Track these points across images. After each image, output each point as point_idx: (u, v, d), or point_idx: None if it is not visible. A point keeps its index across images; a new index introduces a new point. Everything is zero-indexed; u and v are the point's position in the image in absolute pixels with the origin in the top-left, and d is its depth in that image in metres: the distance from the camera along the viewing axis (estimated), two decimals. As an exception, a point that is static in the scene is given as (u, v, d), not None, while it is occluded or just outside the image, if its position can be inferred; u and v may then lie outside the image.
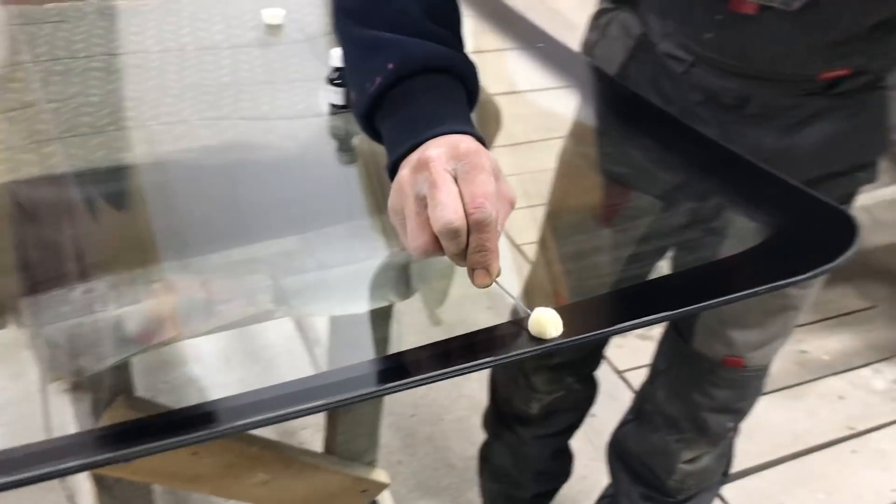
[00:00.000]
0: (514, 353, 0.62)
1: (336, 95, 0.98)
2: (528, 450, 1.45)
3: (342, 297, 0.96)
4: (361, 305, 0.97)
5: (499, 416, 1.46)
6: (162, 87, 1.06)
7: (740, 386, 1.20)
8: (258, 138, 1.00)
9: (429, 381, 0.59)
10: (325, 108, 1.02)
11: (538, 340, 0.61)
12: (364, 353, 1.14)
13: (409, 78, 0.65)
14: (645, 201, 1.04)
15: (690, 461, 1.30)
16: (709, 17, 0.91)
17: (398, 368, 0.63)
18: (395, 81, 0.65)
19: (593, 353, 1.37)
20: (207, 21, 1.26)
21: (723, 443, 1.31)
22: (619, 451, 1.42)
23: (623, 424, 1.42)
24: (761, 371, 1.21)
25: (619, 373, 2.03)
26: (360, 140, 1.00)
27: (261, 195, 0.95)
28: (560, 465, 1.54)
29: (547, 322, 0.61)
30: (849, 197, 1.04)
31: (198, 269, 0.87)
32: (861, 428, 1.96)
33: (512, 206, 0.62)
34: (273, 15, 1.23)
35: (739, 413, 1.26)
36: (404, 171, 0.60)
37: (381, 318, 1.12)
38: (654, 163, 0.96)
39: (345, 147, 1.00)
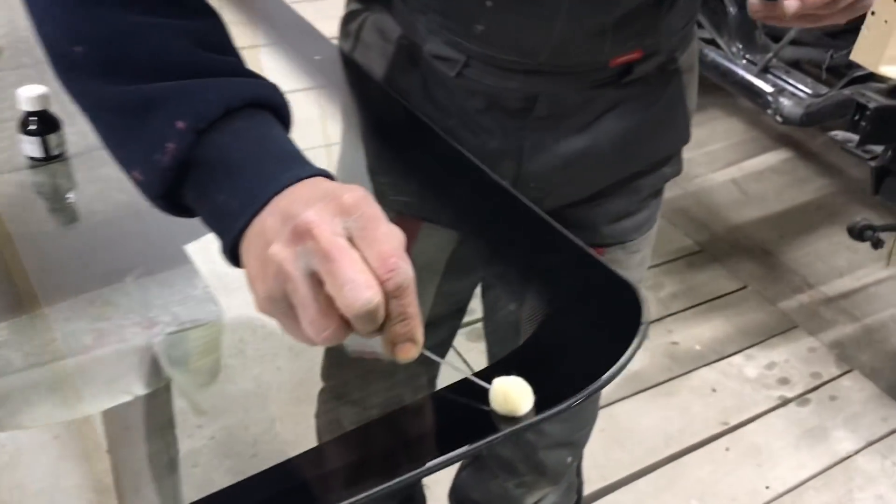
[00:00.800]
0: (485, 440, 0.52)
1: (32, 146, 0.77)
2: None
3: (64, 396, 0.76)
4: (93, 405, 0.78)
5: None
6: None
7: (573, 416, 1.10)
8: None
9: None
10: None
11: (508, 419, 0.52)
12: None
13: (212, 129, 0.51)
14: (440, 232, 0.90)
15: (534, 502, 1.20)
16: (477, 4, 0.76)
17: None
18: (195, 141, 0.51)
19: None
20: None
21: (566, 477, 1.21)
22: (460, 499, 1.30)
23: (460, 470, 1.30)
24: (594, 395, 1.09)
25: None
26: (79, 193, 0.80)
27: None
28: None
29: (515, 395, 0.53)
30: (656, 194, 0.96)
31: None
32: (734, 422, 1.88)
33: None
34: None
35: (577, 445, 1.17)
36: (275, 246, 0.47)
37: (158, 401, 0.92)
38: (438, 191, 0.79)
39: (57, 206, 0.79)
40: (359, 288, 0.45)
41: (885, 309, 2.21)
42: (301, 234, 0.46)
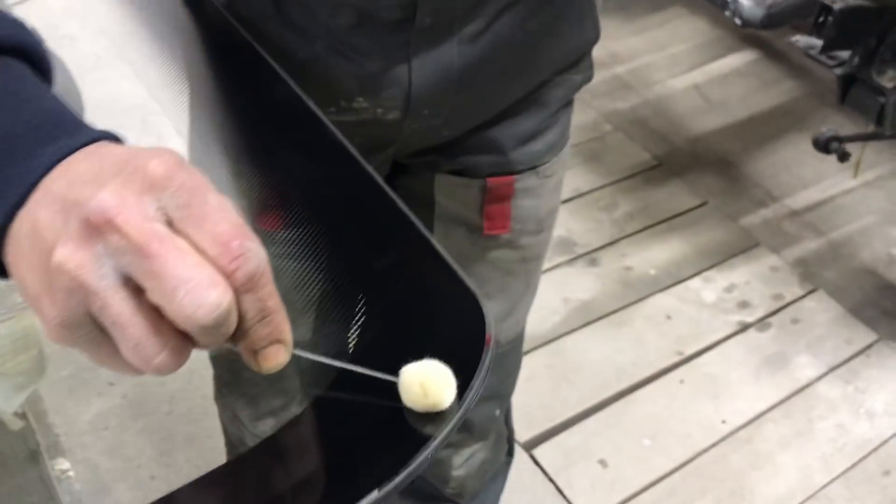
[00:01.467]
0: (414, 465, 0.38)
1: None
2: None
3: None
4: None
5: None
6: None
7: (497, 367, 0.96)
8: None
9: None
10: None
11: (430, 416, 0.41)
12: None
13: None
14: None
15: (463, 464, 1.10)
16: None
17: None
18: None
19: None
20: None
21: (495, 429, 1.11)
22: None
23: None
24: (517, 341, 1.02)
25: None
26: None
27: None
28: None
29: (437, 383, 0.41)
30: (567, 105, 0.85)
31: None
32: (689, 352, 1.77)
33: None
34: None
35: (504, 395, 1.07)
36: (62, 250, 0.33)
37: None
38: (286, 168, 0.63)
39: None
40: (198, 289, 0.33)
41: (852, 222, 2.09)
42: (98, 228, 0.33)
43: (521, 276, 0.93)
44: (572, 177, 2.17)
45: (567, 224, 2.04)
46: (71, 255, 0.33)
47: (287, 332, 0.38)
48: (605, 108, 2.39)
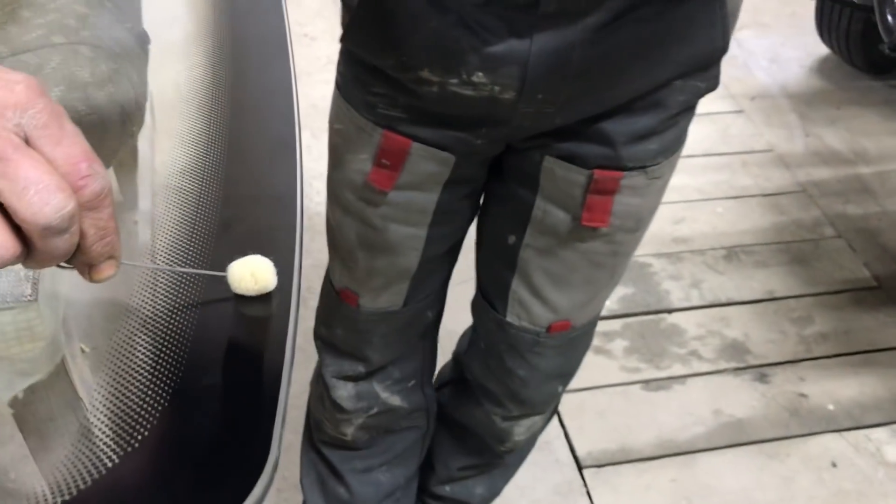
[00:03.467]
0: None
1: None
2: (342, 490, 1.21)
3: None
4: None
5: (310, 442, 1.23)
6: None
7: (569, 349, 1.04)
8: None
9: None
10: None
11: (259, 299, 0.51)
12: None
13: None
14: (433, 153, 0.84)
15: (523, 432, 1.16)
16: None
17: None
18: None
19: (411, 353, 1.10)
20: None
21: (554, 403, 1.16)
22: (443, 416, 1.22)
23: (442, 385, 1.23)
24: (590, 325, 1.04)
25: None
26: None
27: None
28: None
29: (258, 271, 0.52)
30: (688, 111, 0.83)
31: None
32: (848, 512, 1.50)
33: None
34: None
35: (569, 375, 1.09)
36: None
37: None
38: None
39: None
40: (47, 190, 0.37)
41: None
42: None
43: (608, 269, 0.93)
44: (767, 276, 1.94)
45: (745, 327, 1.82)
46: None
47: (119, 249, 0.43)
48: (832, 209, 2.13)
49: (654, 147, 0.82)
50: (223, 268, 0.53)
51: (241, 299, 0.52)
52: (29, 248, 0.39)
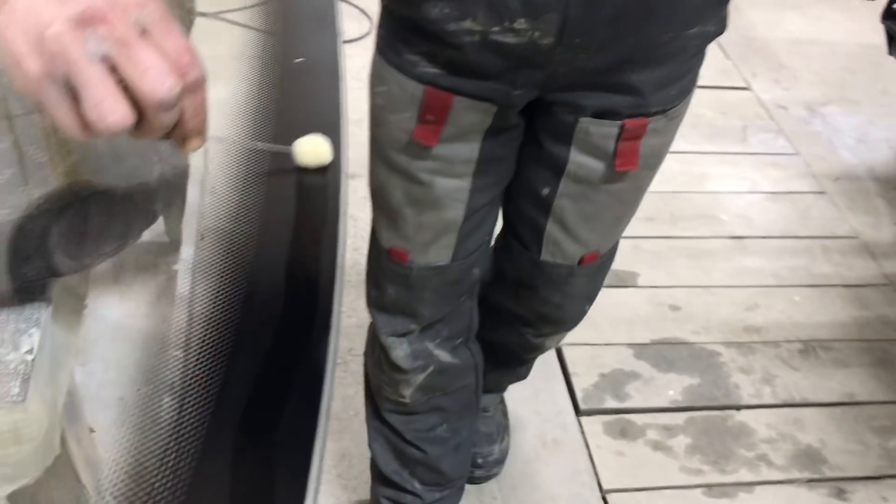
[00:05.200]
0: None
1: None
2: (411, 450, 1.29)
3: None
4: None
5: (374, 410, 1.30)
6: None
7: (598, 274, 1.15)
8: None
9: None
10: None
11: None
12: None
13: None
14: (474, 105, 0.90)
15: (553, 345, 1.31)
16: None
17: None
18: None
19: (458, 312, 1.16)
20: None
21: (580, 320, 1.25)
22: (478, 336, 1.28)
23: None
24: (615, 248, 1.15)
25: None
26: None
27: None
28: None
29: (319, 147, 0.64)
30: (698, 53, 0.91)
31: None
32: None
33: None
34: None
35: (595, 295, 1.20)
36: (58, 27, 0.45)
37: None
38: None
39: None
40: (162, 73, 0.47)
41: None
42: (90, 19, 0.46)
43: (632, 204, 1.05)
44: (847, 376, 1.78)
45: (822, 433, 1.66)
46: (66, 32, 0.45)
47: (206, 127, 0.53)
48: (922, 307, 1.96)
49: (673, 92, 0.91)
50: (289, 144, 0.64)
51: (304, 171, 0.65)
52: (140, 120, 0.48)
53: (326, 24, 0.98)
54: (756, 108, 2.66)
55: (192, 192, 0.74)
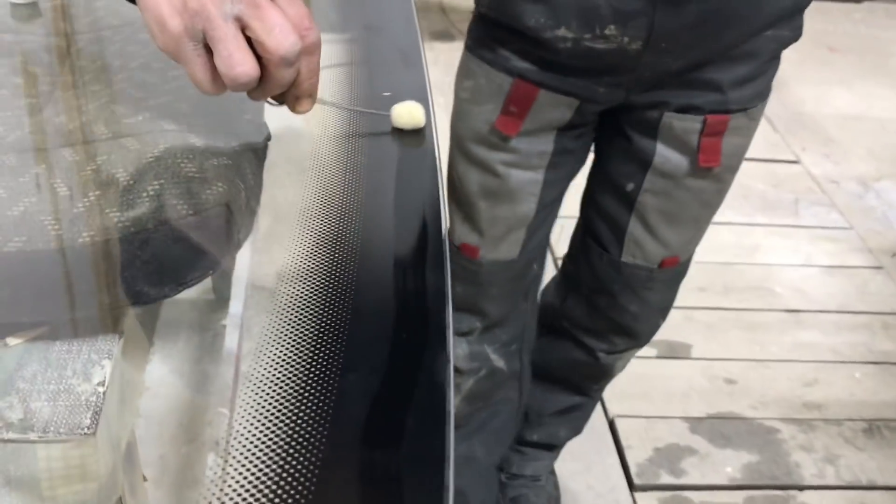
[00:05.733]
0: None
1: None
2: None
3: None
4: None
5: None
6: None
7: (674, 282, 1.16)
8: None
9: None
10: None
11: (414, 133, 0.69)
12: None
13: None
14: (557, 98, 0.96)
15: (623, 365, 1.29)
16: None
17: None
18: None
19: (517, 314, 1.19)
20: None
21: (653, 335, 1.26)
22: (540, 365, 1.31)
23: (538, 336, 1.30)
24: (690, 259, 1.16)
25: None
26: None
27: None
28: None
29: (414, 110, 0.69)
30: (774, 58, 0.97)
31: None
32: None
33: None
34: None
35: (669, 308, 1.21)
36: None
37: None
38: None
39: None
40: (287, 30, 0.53)
41: None
42: None
43: (713, 208, 1.08)
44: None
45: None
46: None
47: (317, 91, 0.59)
48: None
49: (750, 92, 0.96)
50: (388, 110, 0.70)
51: (400, 132, 0.69)
52: (262, 79, 0.54)
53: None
54: (807, 182, 2.62)
55: (244, 250, 0.72)
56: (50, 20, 0.80)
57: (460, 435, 1.25)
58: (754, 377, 1.88)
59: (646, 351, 1.91)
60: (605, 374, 1.29)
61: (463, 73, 0.99)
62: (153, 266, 0.52)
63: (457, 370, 1.19)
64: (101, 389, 0.56)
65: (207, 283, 0.71)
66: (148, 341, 0.69)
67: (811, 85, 3.22)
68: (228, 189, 0.55)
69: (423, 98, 0.72)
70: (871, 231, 2.40)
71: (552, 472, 1.56)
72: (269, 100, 0.60)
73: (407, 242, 0.61)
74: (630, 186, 1.03)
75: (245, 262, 0.67)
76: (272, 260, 0.63)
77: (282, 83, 0.55)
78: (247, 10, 0.52)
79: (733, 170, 1.03)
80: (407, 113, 0.68)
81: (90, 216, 0.54)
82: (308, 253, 0.60)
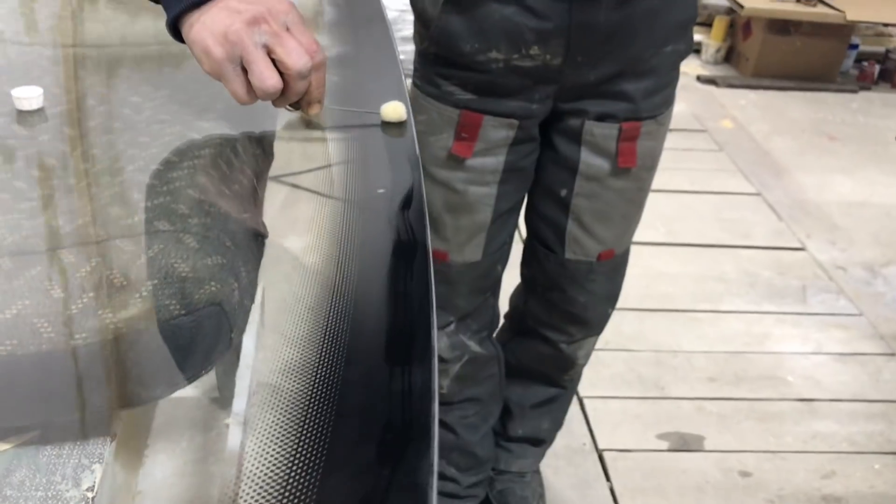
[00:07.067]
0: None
1: None
2: (448, 435, 1.48)
3: None
4: None
5: None
6: None
7: (614, 274, 1.33)
8: None
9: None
10: None
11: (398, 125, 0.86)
12: None
13: None
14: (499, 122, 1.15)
15: (584, 356, 1.46)
16: None
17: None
18: None
19: (484, 306, 1.38)
20: None
21: (605, 324, 1.42)
22: (512, 364, 1.49)
23: (507, 341, 1.50)
24: (627, 254, 1.34)
25: None
26: None
27: None
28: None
29: (398, 108, 0.85)
30: (674, 69, 1.17)
31: None
32: None
33: None
34: (28, 97, 0.81)
35: (615, 298, 1.38)
36: (237, 25, 0.72)
37: None
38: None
39: None
40: (302, 53, 0.74)
41: None
42: (257, 20, 0.72)
43: (637, 204, 1.27)
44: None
45: None
46: (242, 29, 0.72)
47: (324, 97, 0.80)
48: None
49: (658, 100, 1.16)
50: (377, 108, 0.85)
51: (387, 124, 0.85)
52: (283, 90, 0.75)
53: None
54: (814, 269, 2.62)
55: (248, 343, 0.71)
56: (55, 126, 0.82)
57: (457, 408, 1.45)
58: (770, 469, 1.83)
59: (657, 443, 1.87)
60: (570, 364, 1.46)
61: (416, 109, 1.14)
62: (144, 367, 0.52)
63: (441, 359, 1.36)
64: (89, 495, 0.55)
65: (212, 380, 0.70)
66: (142, 443, 0.68)
67: (813, 173, 3.25)
68: (221, 288, 0.55)
69: (403, 98, 0.88)
70: (881, 317, 2.38)
71: (537, 471, 1.68)
72: (288, 106, 0.79)
73: (395, 256, 0.71)
74: (564, 192, 1.21)
75: (248, 358, 0.66)
76: (275, 352, 0.62)
77: (298, 93, 0.75)
78: (271, 39, 0.72)
79: (649, 169, 1.22)
80: (392, 110, 0.84)
81: (83, 318, 0.54)
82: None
